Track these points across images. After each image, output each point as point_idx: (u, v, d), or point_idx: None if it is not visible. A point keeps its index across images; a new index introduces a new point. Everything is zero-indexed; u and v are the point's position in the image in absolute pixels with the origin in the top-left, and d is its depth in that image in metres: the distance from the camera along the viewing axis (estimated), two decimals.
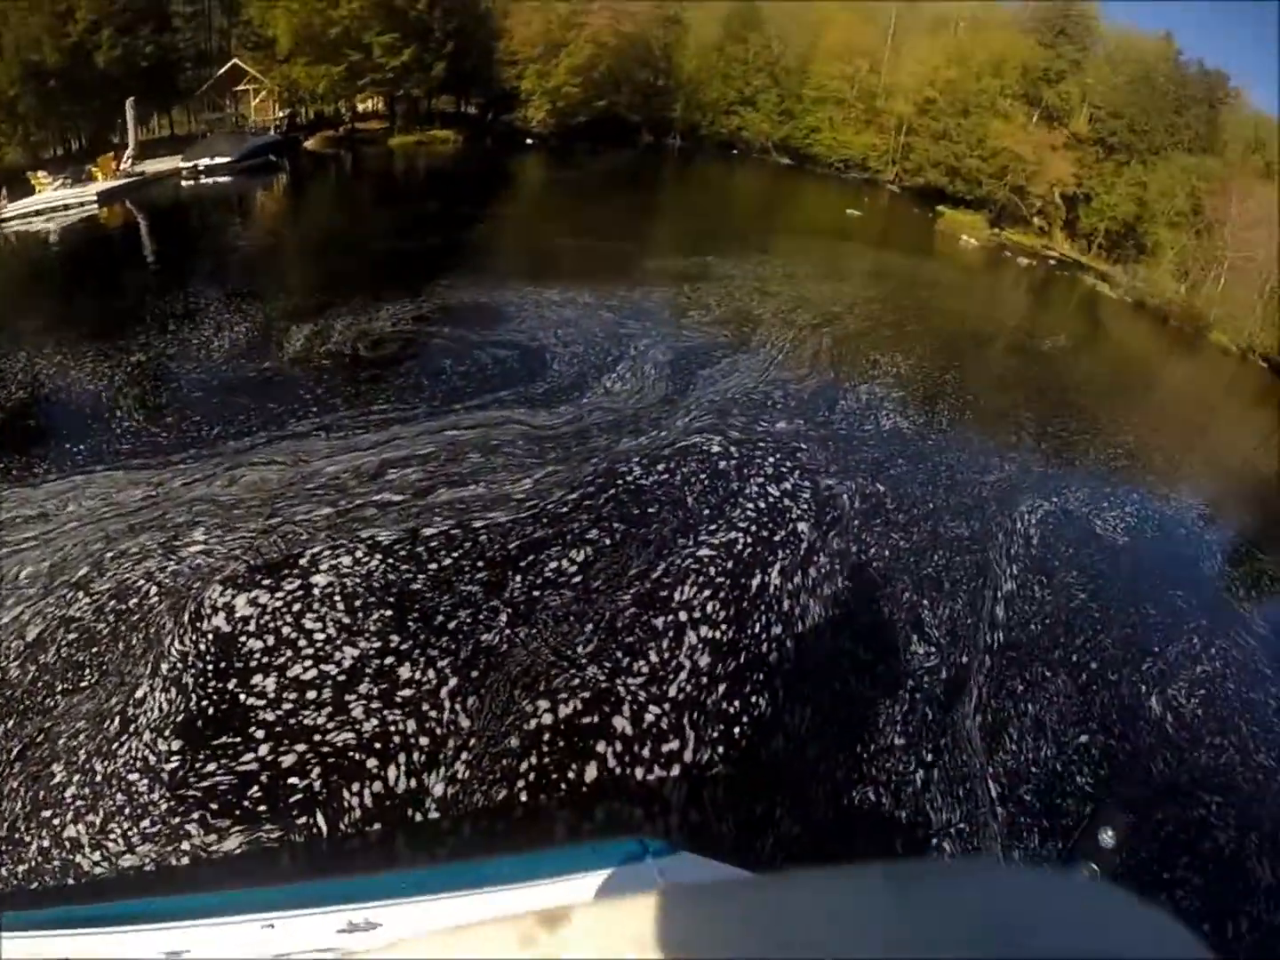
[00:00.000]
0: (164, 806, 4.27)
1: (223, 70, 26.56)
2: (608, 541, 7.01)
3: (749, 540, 7.32)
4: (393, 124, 30.45)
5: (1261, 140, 42.23)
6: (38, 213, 17.90)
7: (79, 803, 4.31)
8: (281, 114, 27.79)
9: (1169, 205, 38.64)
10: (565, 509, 7.39)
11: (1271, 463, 19.77)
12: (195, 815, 4.26)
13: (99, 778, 4.41)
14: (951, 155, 41.24)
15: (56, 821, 4.22)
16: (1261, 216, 35.52)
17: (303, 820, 4.32)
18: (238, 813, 4.30)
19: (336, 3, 25.08)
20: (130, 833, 4.17)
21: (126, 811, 4.25)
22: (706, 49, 41.07)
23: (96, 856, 4.07)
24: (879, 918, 0.30)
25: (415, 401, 9.13)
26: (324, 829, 4.30)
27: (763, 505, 8.01)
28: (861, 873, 0.32)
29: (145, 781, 4.38)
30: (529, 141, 34.35)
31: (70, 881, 3.97)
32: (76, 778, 4.42)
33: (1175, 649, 8.26)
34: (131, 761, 4.48)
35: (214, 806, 4.31)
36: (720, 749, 5.30)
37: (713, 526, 7.45)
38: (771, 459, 9.11)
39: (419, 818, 4.49)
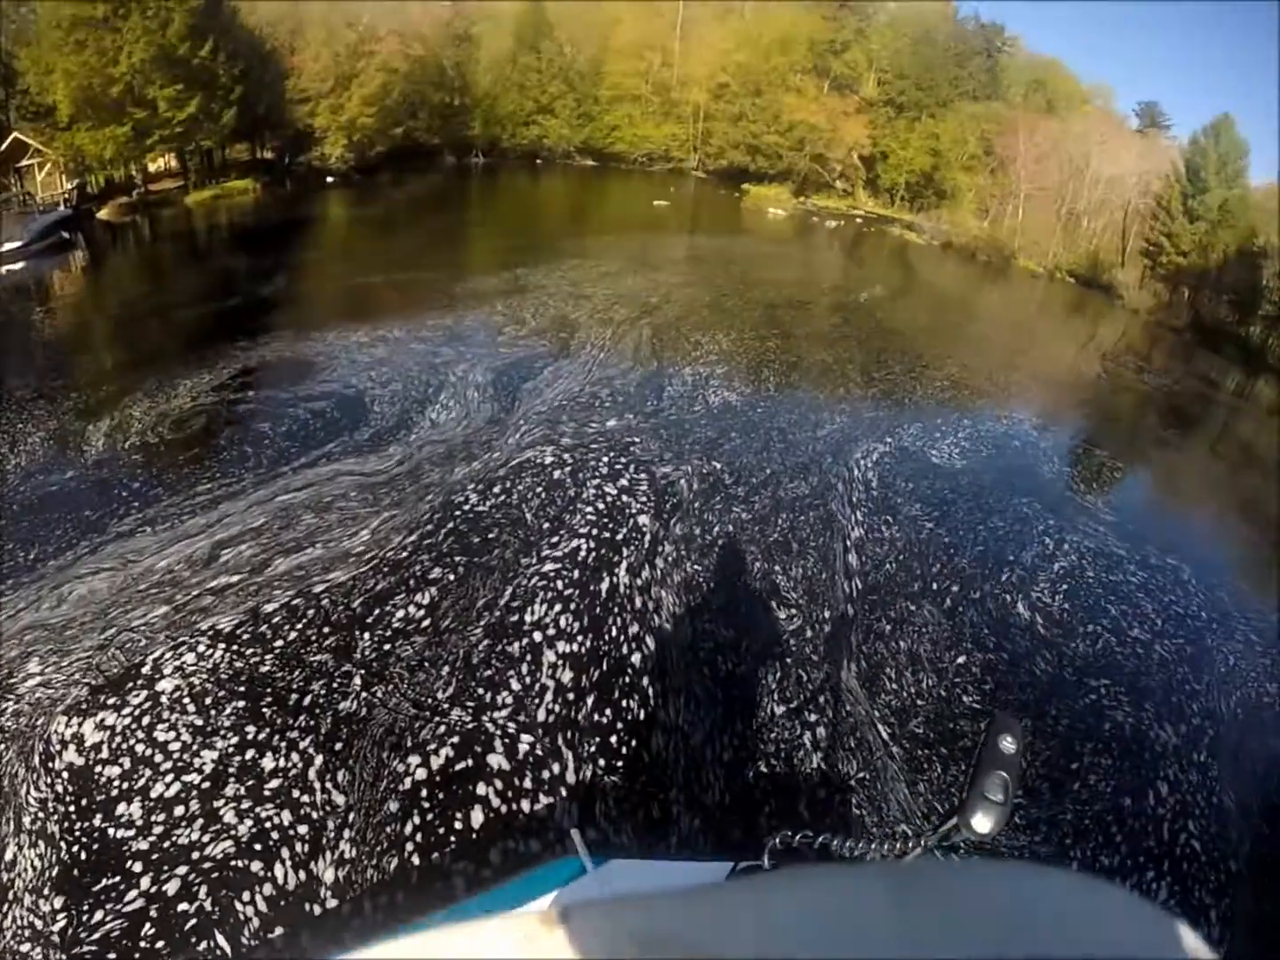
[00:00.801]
0: None
1: (3, 146, 24.54)
2: (451, 577, 6.65)
3: (592, 545, 7.07)
4: (187, 181, 28.80)
5: (1040, 80, 45.67)
6: None
7: None
8: (70, 185, 25.70)
9: (962, 151, 41.29)
10: (405, 553, 6.98)
11: (1092, 364, 21.04)
12: None
13: None
14: (750, 134, 42.80)
15: None
16: (1048, 149, 38.37)
17: (204, 945, 3.95)
18: (136, 956, 3.91)
19: (116, 59, 23.49)
20: None
21: None
22: (499, 62, 40.93)
23: None
24: (878, 917, 0.28)
25: (240, 473, 8.49)
26: (226, 948, 3.94)
27: (601, 507, 7.78)
28: (861, 872, 0.32)
29: (39, 950, 3.94)
30: (329, 180, 33.33)
31: None
32: None
33: (1030, 554, 8.48)
34: (20, 932, 4.01)
35: (111, 956, 3.91)
36: (601, 761, 5.04)
37: (554, 539, 7.17)
38: (605, 459, 8.90)
39: (317, 910, 4.15)
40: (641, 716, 5.38)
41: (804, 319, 17.72)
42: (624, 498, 8.01)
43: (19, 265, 19.54)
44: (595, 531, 7.30)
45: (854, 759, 5.30)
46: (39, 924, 4.07)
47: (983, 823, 1.23)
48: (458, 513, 7.67)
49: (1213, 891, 5.02)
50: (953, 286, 30.13)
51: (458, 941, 0.33)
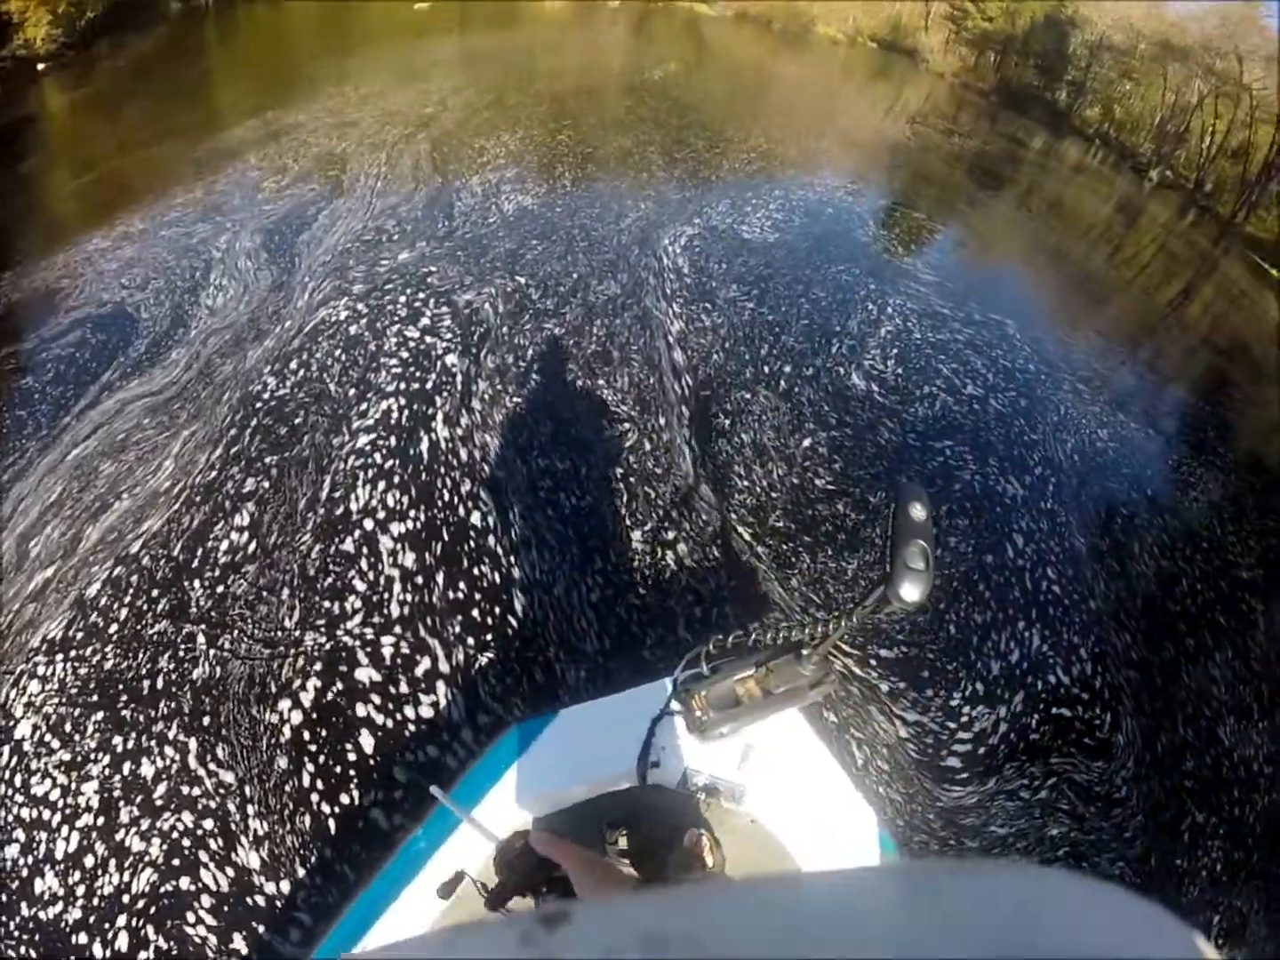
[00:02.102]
0: None
1: None
2: (266, 485, 5.91)
3: (402, 402, 6.41)
4: None
5: None
6: None
7: None
8: None
9: None
10: (214, 472, 6.15)
11: (900, 126, 20.74)
12: None
13: None
14: None
15: None
16: None
17: None
18: None
19: None
20: None
21: None
22: None
23: None
24: (879, 917, 0.28)
25: (21, 443, 7.32)
26: None
27: (405, 355, 7.06)
28: (864, 873, 0.32)
29: None
30: (41, 67, 28.74)
31: None
32: None
33: (855, 321, 8.31)
34: None
35: None
36: (470, 639, 4.68)
37: (362, 406, 6.48)
38: (403, 298, 8.07)
39: (261, 900, 3.80)
40: (498, 580, 4.99)
41: (595, 106, 16.56)
42: (427, 338, 7.29)
43: None
44: (403, 386, 6.62)
45: (722, 570, 5.11)
46: None
47: (911, 591, 1.26)
48: (258, 405, 6.81)
49: (1079, 631, 5.19)
50: (750, 57, 28.84)
51: (456, 941, 0.32)
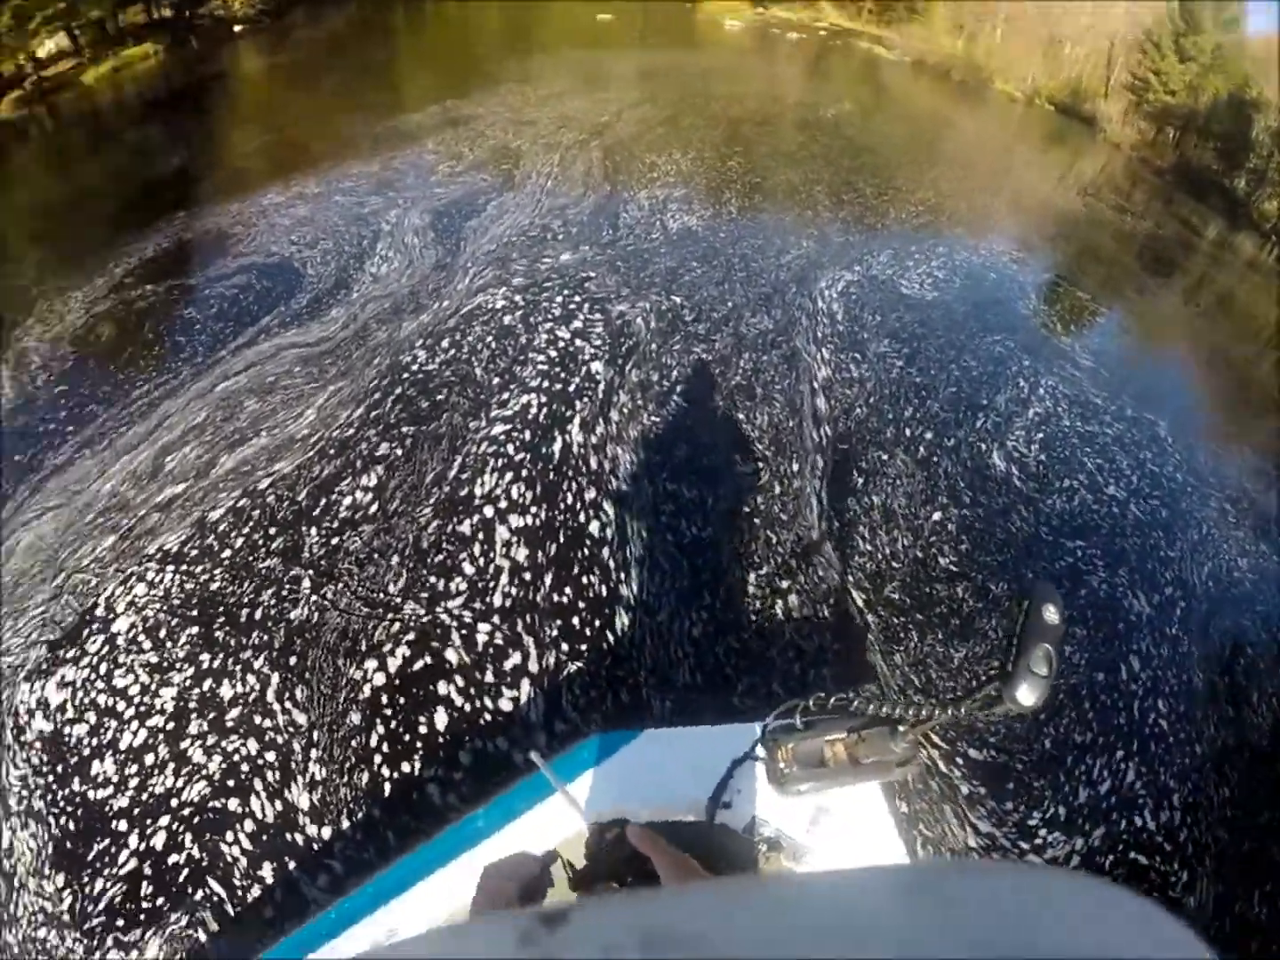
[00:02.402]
0: (81, 950, 3.69)
1: None
2: (399, 452, 6.11)
3: (543, 400, 6.51)
4: (82, 58, 25.94)
5: None
6: None
7: None
8: None
9: None
10: (351, 430, 6.41)
11: (1072, 198, 20.09)
12: (110, 941, 3.70)
13: (16, 950, 3.75)
14: None
15: None
16: None
17: (200, 894, 3.79)
18: (142, 916, 3.75)
19: None
20: None
21: None
22: None
23: None
24: (879, 917, 0.28)
25: (176, 366, 7.73)
26: (221, 892, 3.78)
27: (553, 354, 7.17)
28: (865, 873, 0.31)
29: (54, 933, 3.76)
30: (237, 29, 30.21)
31: None
32: None
33: (1004, 397, 8.03)
34: (33, 918, 3.82)
35: (120, 923, 3.75)
36: (564, 645, 4.69)
37: (504, 396, 6.61)
38: (559, 298, 8.22)
39: (299, 839, 3.95)
40: (603, 593, 4.99)
41: (767, 136, 16.50)
42: (577, 341, 7.40)
43: None
44: (546, 384, 6.72)
45: (828, 630, 4.99)
46: (48, 906, 3.87)
47: (1027, 695, 1.22)
48: (405, 375, 7.05)
49: (1177, 775, 4.88)
50: (926, 105, 28.38)
51: (456, 942, 0.32)
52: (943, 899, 0.29)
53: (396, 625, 4.78)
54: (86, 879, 3.93)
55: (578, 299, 8.20)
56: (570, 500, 5.57)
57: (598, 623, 4.86)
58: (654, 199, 11.47)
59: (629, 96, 17.47)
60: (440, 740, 4.27)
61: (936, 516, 6.06)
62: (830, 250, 10.60)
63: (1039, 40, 35.37)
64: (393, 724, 4.35)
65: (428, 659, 4.60)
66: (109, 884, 3.90)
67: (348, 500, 5.70)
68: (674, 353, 7.43)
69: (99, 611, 5.14)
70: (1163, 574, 6.38)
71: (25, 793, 4.31)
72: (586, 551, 5.23)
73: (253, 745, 4.31)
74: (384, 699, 4.46)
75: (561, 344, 7.35)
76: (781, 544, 5.46)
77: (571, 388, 6.69)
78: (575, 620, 4.85)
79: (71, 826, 4.13)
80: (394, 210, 10.69)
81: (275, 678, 4.60)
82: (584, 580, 5.06)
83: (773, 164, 14.43)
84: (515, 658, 4.61)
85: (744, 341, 7.79)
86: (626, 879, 1.33)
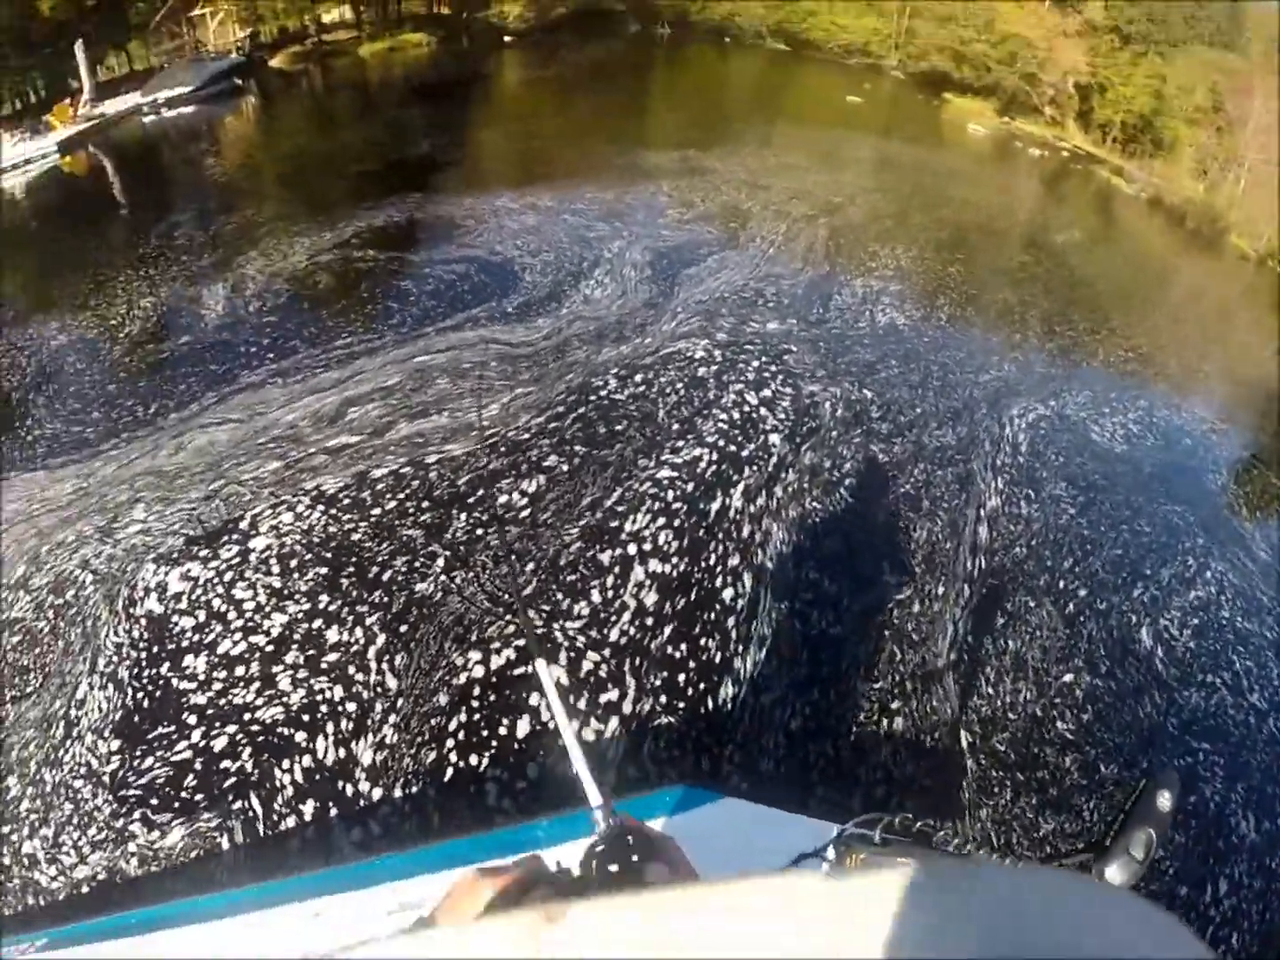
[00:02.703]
0: (107, 811, 3.96)
1: None
2: (565, 468, 6.30)
3: (715, 457, 6.56)
4: (361, 32, 27.92)
5: None
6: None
7: (33, 816, 4.01)
8: (243, 34, 25.32)
9: (1188, 100, 36.06)
10: (528, 434, 6.67)
11: None
12: (137, 815, 3.95)
13: (49, 788, 4.09)
14: (957, 39, 37.99)
15: (15, 838, 3.93)
16: None
17: (239, 805, 3.98)
18: (176, 805, 3.98)
19: None
20: (80, 842, 3.87)
21: (75, 821, 3.95)
22: None
23: (52, 871, 3.78)
24: (879, 918, 0.27)
25: (382, 329, 8.27)
26: (259, 810, 3.98)
27: (736, 416, 7.22)
28: (863, 873, 0.31)
29: (89, 787, 4.06)
30: (507, 39, 31.82)
31: (31, 901, 3.70)
32: (30, 790, 4.11)
33: (1169, 572, 7.50)
34: (77, 768, 4.14)
35: (154, 803, 3.99)
36: (663, 697, 4.70)
37: (679, 443, 6.70)
38: (756, 363, 8.27)
39: (349, 790, 4.09)
40: (717, 659, 4.97)
41: (992, 250, 16.10)
42: (762, 410, 7.42)
43: (191, 109, 19.50)
44: (722, 443, 6.77)
45: (924, 760, 4.79)
46: (95, 763, 4.14)
47: (1116, 875, 1.16)
48: (593, 397, 7.27)
49: None
50: (1155, 248, 26.99)
51: (457, 941, 0.31)
52: (944, 899, 0.29)
53: (511, 628, 4.88)
54: (140, 753, 4.17)
55: (774, 369, 8.23)
56: (713, 561, 5.58)
57: (703, 685, 4.84)
58: (869, 288, 11.38)
59: (864, 182, 17.41)
60: (514, 746, 4.33)
61: (1067, 679, 5.72)
62: (1030, 379, 10.21)
63: None
64: (476, 716, 4.44)
65: (529, 667, 4.62)
66: (158, 764, 4.13)
67: (504, 498, 5.90)
68: (852, 445, 7.33)
69: (243, 525, 5.50)
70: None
71: (116, 659, 4.63)
72: (713, 615, 5.22)
73: (339, 691, 4.49)
74: (476, 690, 4.57)
75: (747, 408, 7.39)
76: (904, 663, 5.29)
77: (745, 453, 6.72)
78: (681, 677, 4.85)
79: (145, 703, 4.40)
80: (618, 241, 11.02)
81: (382, 639, 4.79)
82: (702, 641, 5.05)
83: (992, 279, 14.05)
84: (613, 693, 4.65)
85: (923, 451, 7.61)
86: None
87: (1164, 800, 1.24)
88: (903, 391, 8.61)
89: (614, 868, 0.71)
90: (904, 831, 1.65)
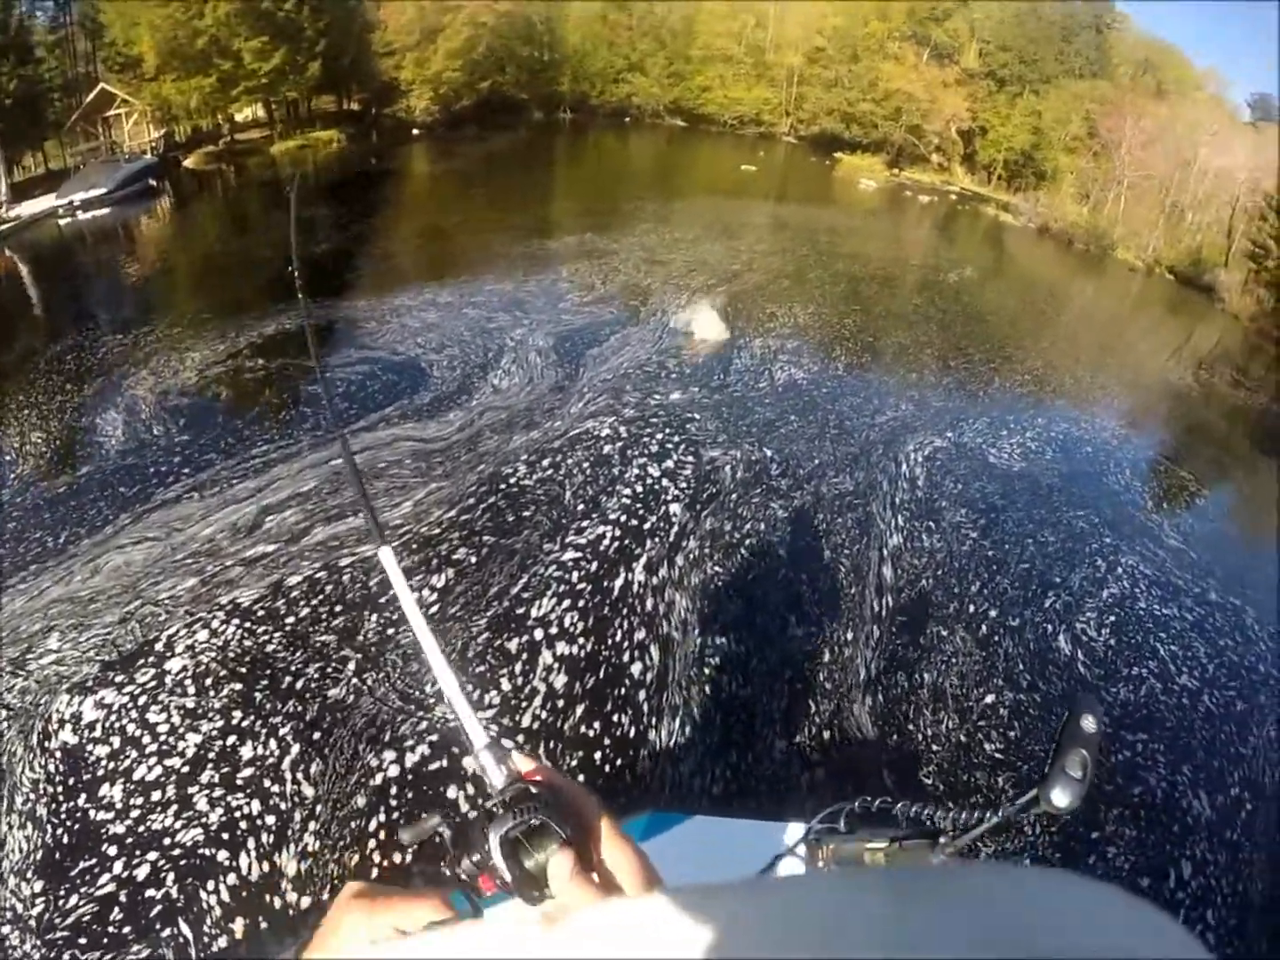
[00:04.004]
0: (37, 957, 3.71)
1: (91, 96, 24.04)
2: (473, 560, 6.12)
3: (617, 534, 6.42)
4: (274, 130, 28.38)
5: (1152, 61, 41.53)
6: None
7: None
8: (157, 135, 25.42)
9: (1064, 131, 37.94)
10: (439, 529, 6.50)
11: (1185, 373, 18.93)
12: (67, 956, 3.70)
13: None
14: (844, 101, 39.91)
15: None
16: (1156, 135, 34.90)
17: (168, 932, 3.75)
18: (105, 941, 3.74)
19: (201, 13, 22.91)
20: None
21: None
22: (589, 19, 39.37)
23: None
24: (879, 918, 0.27)
25: (297, 435, 8.09)
26: (189, 935, 3.74)
27: (639, 489, 7.11)
28: (862, 873, 0.41)
29: (16, 934, 3.80)
30: (415, 132, 32.51)
31: None
32: None
33: (1079, 576, 7.45)
34: (2, 914, 3.87)
35: (82, 941, 3.75)
36: (581, 778, 4.47)
37: (584, 524, 6.56)
38: (660, 435, 8.22)
39: (277, 902, 3.89)
40: (631, 734, 4.76)
41: (887, 297, 16.44)
42: (664, 481, 7.33)
43: (105, 211, 19.53)
44: (624, 519, 6.64)
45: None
46: (19, 907, 3.90)
47: (1061, 798, 1.22)
48: (502, 486, 7.14)
49: None
50: (1046, 274, 27.76)
51: (457, 941, 0.31)
52: (943, 899, 0.27)
53: (424, 724, 4.69)
54: (64, 892, 3.91)
55: (676, 439, 8.17)
56: (619, 637, 5.40)
57: (619, 761, 4.64)
58: (767, 349, 11.47)
59: (761, 246, 17.78)
60: (435, 840, 4.08)
61: (989, 700, 5.56)
62: (927, 414, 10.29)
63: (1161, 209, 34.26)
64: (395, 815, 4.24)
65: (444, 762, 4.47)
66: (83, 902, 3.87)
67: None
68: (752, 505, 7.23)
69: (158, 646, 5.25)
70: (1230, 773, 5.61)
71: (33, 796, 4.35)
72: (623, 691, 5.02)
73: (256, 806, 4.27)
74: (393, 790, 4.37)
75: (649, 481, 7.29)
76: (820, 714, 5.10)
77: (647, 525, 6.59)
78: (597, 755, 4.65)
79: (65, 839, 4.14)
80: (519, 329, 11.01)
81: (296, 748, 4.57)
82: (615, 718, 4.84)
83: (887, 324, 14.30)
84: (529, 750, 4.45)
85: (821, 502, 7.52)
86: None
87: (1089, 723, 1.28)
88: (801, 445, 8.58)
89: (513, 831, 0.61)
90: (865, 815, 1.65)
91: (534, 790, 0.66)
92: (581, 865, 0.60)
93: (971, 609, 6.49)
